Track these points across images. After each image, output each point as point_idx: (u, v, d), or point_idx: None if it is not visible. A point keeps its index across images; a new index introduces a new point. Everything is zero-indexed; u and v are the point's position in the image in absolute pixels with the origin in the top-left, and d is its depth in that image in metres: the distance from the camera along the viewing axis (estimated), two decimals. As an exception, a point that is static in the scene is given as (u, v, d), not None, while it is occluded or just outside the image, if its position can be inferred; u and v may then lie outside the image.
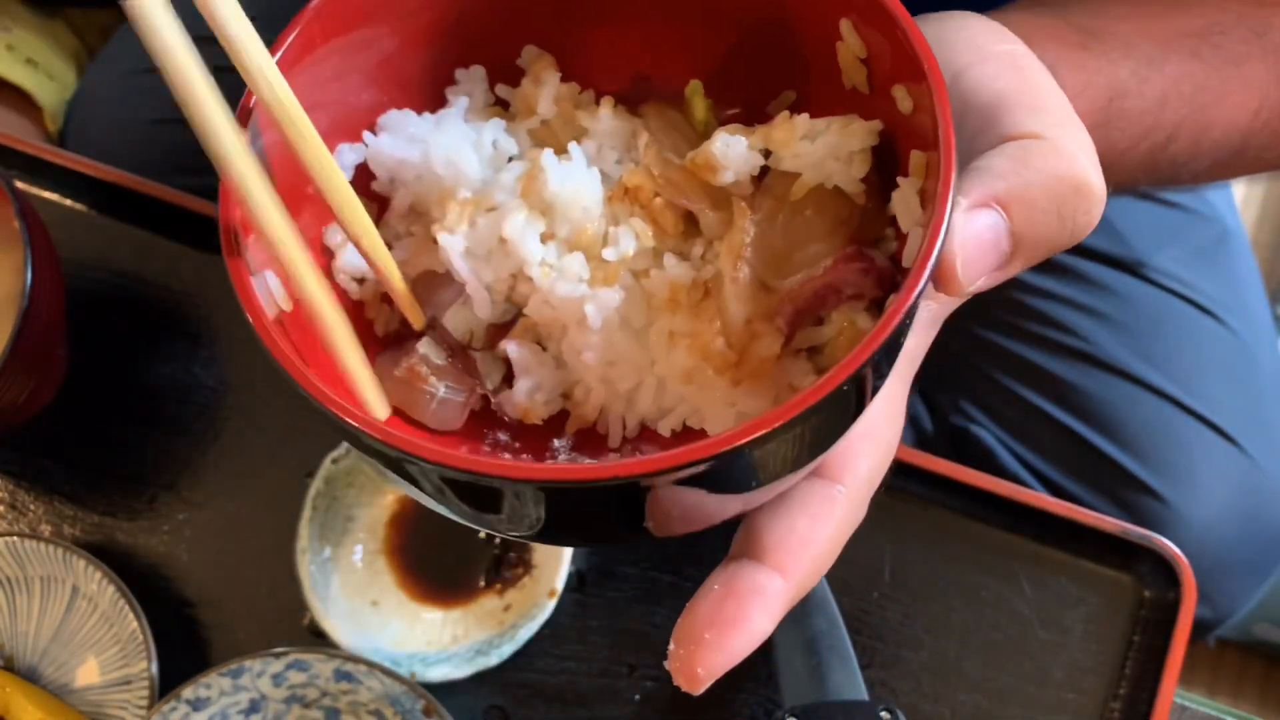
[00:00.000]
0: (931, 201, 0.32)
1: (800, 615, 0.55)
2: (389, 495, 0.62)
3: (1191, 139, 0.50)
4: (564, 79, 0.41)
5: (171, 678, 0.57)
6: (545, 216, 0.37)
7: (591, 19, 0.41)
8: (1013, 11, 0.47)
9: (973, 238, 0.32)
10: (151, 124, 0.80)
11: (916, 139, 0.34)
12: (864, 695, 0.51)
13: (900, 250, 0.35)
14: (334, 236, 0.39)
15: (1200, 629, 0.79)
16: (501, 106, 0.41)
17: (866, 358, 0.30)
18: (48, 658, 0.60)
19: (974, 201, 0.33)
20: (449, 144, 0.38)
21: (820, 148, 0.36)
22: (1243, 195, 1.47)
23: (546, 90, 0.40)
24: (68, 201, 0.68)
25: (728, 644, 0.34)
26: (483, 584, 0.61)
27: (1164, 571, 0.59)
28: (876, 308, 0.35)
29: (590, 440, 0.38)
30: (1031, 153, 0.34)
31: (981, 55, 0.37)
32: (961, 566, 0.61)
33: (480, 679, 0.58)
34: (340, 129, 0.38)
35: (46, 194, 0.68)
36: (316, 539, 0.60)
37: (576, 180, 0.37)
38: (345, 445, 0.60)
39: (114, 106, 0.82)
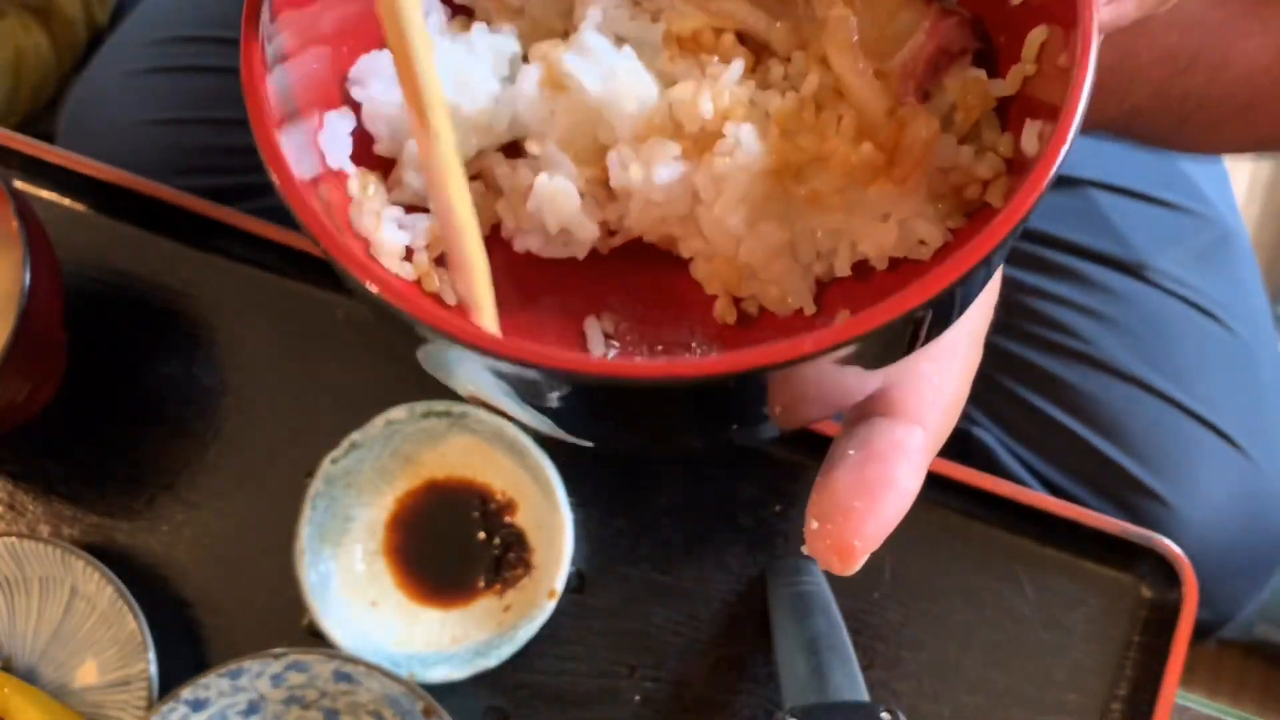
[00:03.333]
0: None
1: (800, 616, 0.55)
2: (389, 496, 0.62)
3: (1208, 74, 0.49)
4: None
5: (170, 678, 0.57)
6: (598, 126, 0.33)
7: None
8: None
9: None
10: (151, 124, 0.80)
11: None
12: (865, 696, 0.51)
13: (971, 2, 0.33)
14: (366, 213, 0.33)
15: (1201, 631, 0.79)
16: (466, 15, 0.37)
17: (1081, 97, 0.27)
18: (46, 658, 0.60)
19: None
20: (450, 64, 0.34)
21: None
22: (1244, 196, 1.47)
23: None
24: (66, 201, 0.68)
25: (881, 508, 0.31)
26: (482, 585, 0.61)
27: (1165, 572, 0.59)
28: (980, 61, 0.33)
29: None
30: None
31: None
32: (962, 567, 0.60)
33: (480, 680, 0.58)
34: (314, 101, 0.34)
35: (45, 193, 0.68)
36: (316, 539, 0.60)
37: (614, 69, 0.33)
38: (345, 445, 0.60)
39: (114, 106, 0.82)
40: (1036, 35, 0.32)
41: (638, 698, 0.60)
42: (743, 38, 0.35)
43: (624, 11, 0.35)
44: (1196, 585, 0.58)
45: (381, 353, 0.64)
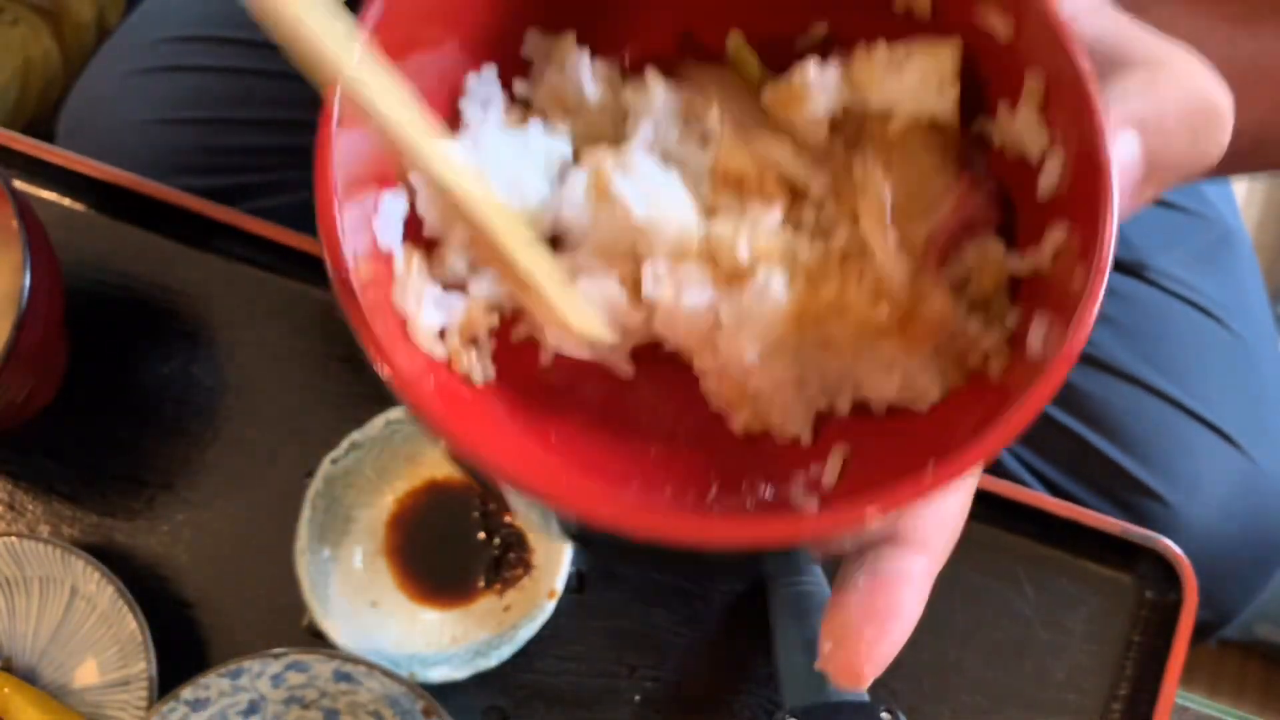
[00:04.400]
0: (1064, 127, 0.31)
1: (800, 615, 0.55)
2: (389, 496, 0.62)
3: None
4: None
5: (170, 678, 0.56)
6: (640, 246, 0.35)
7: None
8: None
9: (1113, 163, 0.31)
10: (151, 124, 0.80)
11: (1010, 61, 0.33)
12: (864, 696, 0.51)
13: (1001, 169, 0.34)
14: (408, 292, 0.34)
15: (1201, 631, 0.79)
16: (523, 106, 0.38)
17: (1093, 309, 0.30)
18: (46, 658, 0.60)
19: (1110, 124, 0.31)
20: (505, 164, 0.35)
21: (911, 78, 0.34)
22: (1244, 197, 1.47)
23: (579, 73, 0.37)
24: (66, 201, 0.68)
25: (888, 637, 0.35)
26: (482, 585, 0.61)
27: (1165, 572, 0.59)
28: (1000, 235, 0.34)
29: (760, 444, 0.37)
30: (1159, 75, 0.32)
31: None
32: (962, 567, 0.60)
33: (480, 680, 0.58)
34: (371, 177, 0.34)
35: (45, 194, 0.68)
36: (316, 539, 0.60)
37: (659, 195, 0.34)
38: (345, 445, 0.60)
39: (114, 106, 0.82)
40: (1055, 237, 0.33)
41: (638, 698, 0.60)
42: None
43: (674, 131, 0.37)
44: (1196, 585, 0.58)
45: (381, 353, 0.64)
